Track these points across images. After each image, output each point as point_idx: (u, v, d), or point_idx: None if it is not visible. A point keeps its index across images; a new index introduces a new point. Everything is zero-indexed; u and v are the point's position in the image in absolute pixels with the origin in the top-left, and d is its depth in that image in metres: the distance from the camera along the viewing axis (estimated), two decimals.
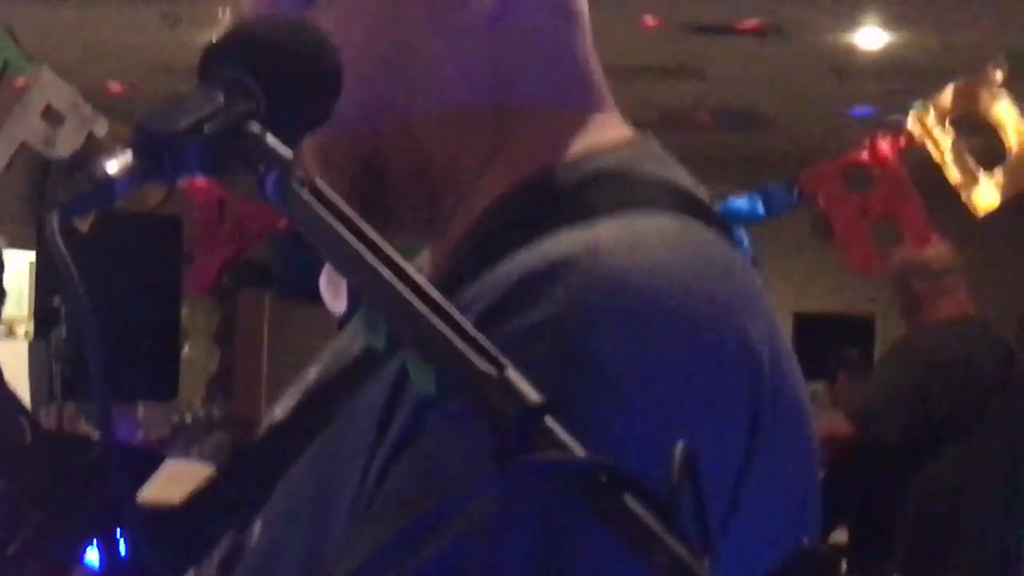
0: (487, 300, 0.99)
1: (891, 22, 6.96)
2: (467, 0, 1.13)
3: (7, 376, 3.75)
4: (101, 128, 3.05)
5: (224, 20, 6.93)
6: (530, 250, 1.01)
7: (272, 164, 0.88)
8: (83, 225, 3.12)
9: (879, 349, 10.16)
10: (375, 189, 1.13)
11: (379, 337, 0.99)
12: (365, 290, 0.85)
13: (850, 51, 7.50)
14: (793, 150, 8.09)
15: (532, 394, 0.77)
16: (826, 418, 4.87)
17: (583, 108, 1.15)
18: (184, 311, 8.34)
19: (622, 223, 1.03)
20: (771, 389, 1.03)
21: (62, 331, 6.43)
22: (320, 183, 0.88)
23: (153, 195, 3.01)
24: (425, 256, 1.19)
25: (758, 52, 7.49)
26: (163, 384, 7.83)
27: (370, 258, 0.84)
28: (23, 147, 3.13)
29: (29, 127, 3.08)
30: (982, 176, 2.83)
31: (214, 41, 0.98)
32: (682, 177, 1.13)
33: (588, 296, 0.97)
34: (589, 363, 0.96)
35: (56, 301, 6.48)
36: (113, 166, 0.88)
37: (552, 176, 1.10)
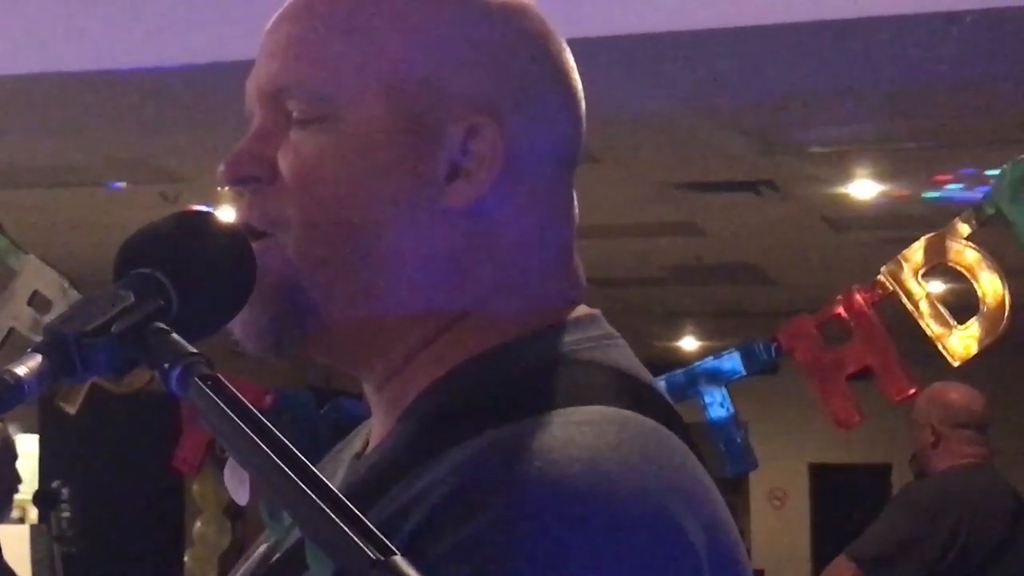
0: (425, 507, 1.01)
1: (883, 173, 7.03)
2: (443, 190, 1.12)
3: (11, 559, 3.74)
4: None
5: (224, 195, 7.02)
6: (467, 451, 1.03)
7: (175, 360, 0.92)
8: (70, 408, 3.16)
9: None
10: (298, 315, 1.13)
11: (279, 527, 1.01)
12: (263, 480, 0.87)
13: (843, 202, 7.56)
14: (791, 301, 8.12)
15: None
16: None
17: (538, 305, 1.16)
18: (195, 487, 8.32)
19: (559, 420, 1.04)
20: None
21: (63, 513, 6.44)
22: (222, 379, 0.91)
23: (139, 377, 3.04)
24: (372, 425, 1.21)
25: (752, 206, 7.56)
26: (168, 566, 7.81)
27: (267, 449, 0.86)
28: (12, 334, 3.17)
29: (16, 314, 3.13)
30: (957, 327, 2.85)
31: (126, 241, 1.01)
32: (626, 360, 1.15)
33: (524, 506, 0.99)
34: (525, 573, 0.97)
35: (55, 483, 6.50)
36: (23, 368, 0.91)
37: (495, 363, 1.12)
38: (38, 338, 2.97)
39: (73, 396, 3.18)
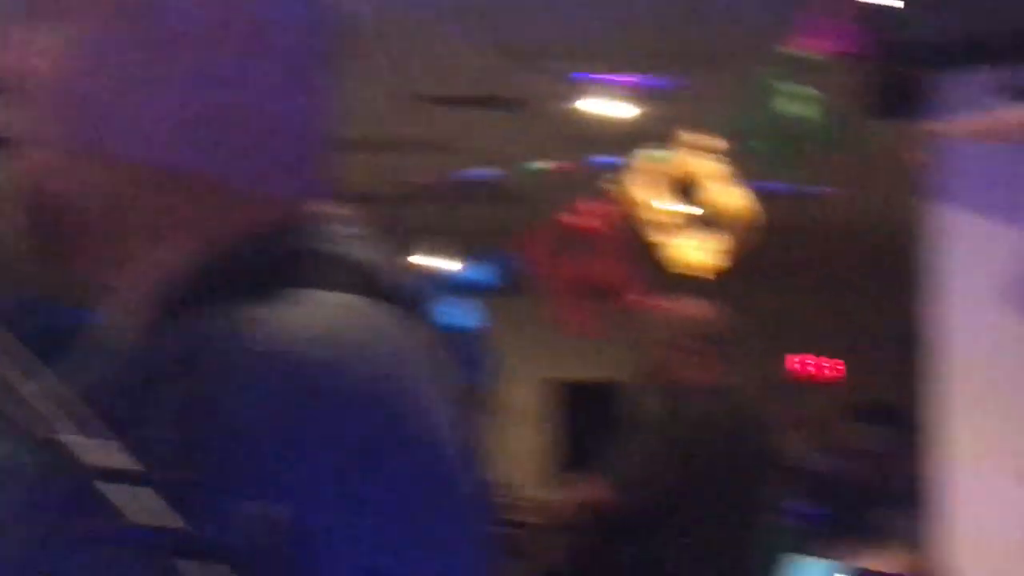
0: (151, 372, 1.01)
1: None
2: (178, 52, 1.11)
3: None
4: None
5: None
6: (197, 325, 1.04)
7: None
8: None
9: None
10: (54, 225, 1.12)
11: None
12: None
13: (590, 120, 7.64)
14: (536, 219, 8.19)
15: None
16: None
17: (283, 187, 1.14)
18: None
19: (295, 301, 1.05)
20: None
21: None
22: None
23: None
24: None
25: (501, 123, 7.60)
26: None
27: None
28: None
29: None
30: (686, 236, 2.89)
31: None
32: (371, 255, 1.14)
33: (249, 374, 0.99)
34: (230, 424, 0.97)
35: None
36: None
37: (242, 248, 1.11)
38: None
39: None
